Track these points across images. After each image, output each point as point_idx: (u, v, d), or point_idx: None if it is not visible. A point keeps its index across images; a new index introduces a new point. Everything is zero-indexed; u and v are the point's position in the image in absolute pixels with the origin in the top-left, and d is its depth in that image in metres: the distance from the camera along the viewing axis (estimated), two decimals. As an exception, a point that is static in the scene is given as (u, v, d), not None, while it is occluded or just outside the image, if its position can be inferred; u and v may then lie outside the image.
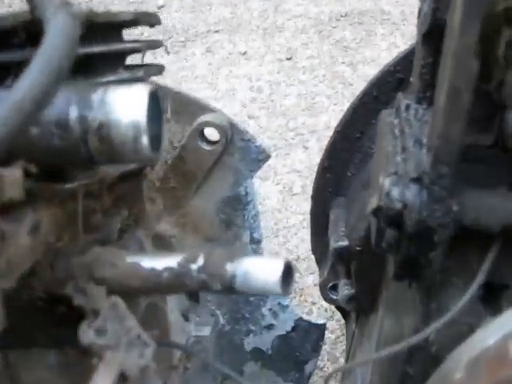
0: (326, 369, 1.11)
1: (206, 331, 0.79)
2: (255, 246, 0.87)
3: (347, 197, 0.92)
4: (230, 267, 0.47)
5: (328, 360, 1.10)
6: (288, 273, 0.46)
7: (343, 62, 1.59)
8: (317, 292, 1.16)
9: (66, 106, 0.44)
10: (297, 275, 0.97)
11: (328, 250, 0.96)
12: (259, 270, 0.46)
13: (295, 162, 1.35)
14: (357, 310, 0.92)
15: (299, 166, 1.34)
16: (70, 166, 0.47)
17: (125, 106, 0.44)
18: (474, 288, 0.54)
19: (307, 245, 1.25)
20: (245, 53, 1.66)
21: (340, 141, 0.89)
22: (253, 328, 0.89)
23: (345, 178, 0.91)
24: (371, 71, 1.43)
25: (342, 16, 1.80)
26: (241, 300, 0.87)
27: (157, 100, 0.46)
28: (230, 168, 0.83)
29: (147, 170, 0.65)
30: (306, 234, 1.22)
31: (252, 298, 0.88)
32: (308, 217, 1.21)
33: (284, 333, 0.91)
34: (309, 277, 1.17)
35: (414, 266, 0.56)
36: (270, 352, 0.92)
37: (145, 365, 0.46)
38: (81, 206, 0.52)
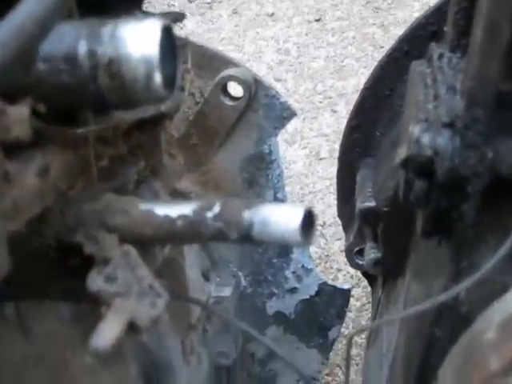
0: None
1: (227, 292, 0.78)
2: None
3: (375, 157, 0.88)
4: (247, 214, 0.45)
5: (353, 328, 1.07)
6: (309, 221, 0.44)
7: (374, 24, 1.53)
8: (343, 258, 1.14)
9: (75, 40, 0.41)
10: (322, 241, 0.94)
11: (355, 213, 0.94)
12: (278, 216, 0.44)
13: (323, 126, 1.31)
14: (383, 275, 0.89)
15: (327, 130, 1.30)
16: (80, 105, 0.45)
17: (136, 40, 0.41)
18: (508, 245, 0.50)
19: (333, 210, 1.22)
20: (272, 14, 1.61)
21: (369, 98, 0.85)
22: (275, 291, 0.87)
23: (373, 137, 0.87)
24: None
25: (372, -24, 1.73)
26: (263, 262, 0.85)
27: (171, 37, 0.44)
28: (253, 125, 0.81)
29: (166, 123, 0.63)
30: (332, 200, 1.18)
31: (275, 260, 0.85)
32: (335, 182, 1.18)
33: (308, 297, 0.89)
34: (335, 243, 1.14)
35: (445, 220, 0.52)
36: (292, 316, 0.90)
37: (157, 315, 0.44)
38: (93, 152, 0.50)
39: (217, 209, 0.46)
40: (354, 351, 1.07)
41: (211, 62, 0.79)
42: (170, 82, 0.43)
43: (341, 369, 1.06)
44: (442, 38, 0.67)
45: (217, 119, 0.78)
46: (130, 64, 0.41)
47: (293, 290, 0.88)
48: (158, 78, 0.41)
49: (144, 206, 0.48)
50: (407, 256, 0.78)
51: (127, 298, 0.43)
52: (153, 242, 0.49)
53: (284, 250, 0.86)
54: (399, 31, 1.48)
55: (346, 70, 1.44)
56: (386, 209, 0.77)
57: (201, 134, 0.79)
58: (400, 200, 0.67)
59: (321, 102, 1.36)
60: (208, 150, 0.80)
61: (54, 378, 0.53)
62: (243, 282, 0.84)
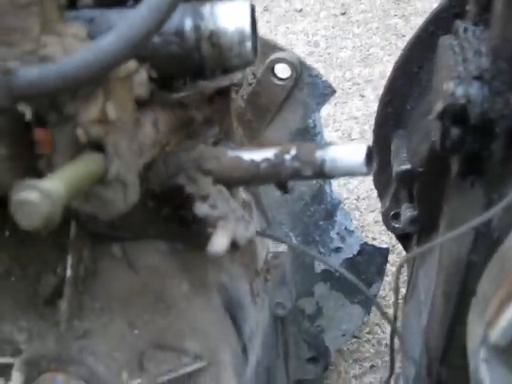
0: (387, 298, 1.19)
1: (283, 248, 0.88)
2: (323, 174, 0.95)
3: (407, 129, 0.98)
4: (319, 154, 0.55)
5: (390, 290, 1.17)
6: (369, 155, 0.54)
7: (395, 15, 1.64)
8: (377, 228, 1.24)
9: (182, 18, 0.52)
10: (358, 213, 1.04)
11: (390, 181, 1.04)
12: (346, 154, 0.54)
13: (352, 110, 1.42)
14: (418, 233, 0.99)
15: (356, 113, 1.42)
16: (184, 72, 0.56)
17: (231, 16, 0.52)
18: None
19: (366, 185, 1.33)
20: (300, 10, 1.74)
21: (399, 76, 0.96)
22: (322, 250, 0.98)
23: (405, 111, 0.98)
24: (424, 22, 1.47)
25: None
26: (311, 224, 0.95)
27: (254, 15, 0.55)
28: (299, 102, 0.91)
29: (233, 95, 0.74)
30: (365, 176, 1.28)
31: (321, 222, 0.96)
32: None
33: (351, 256, 0.99)
34: (369, 215, 1.25)
35: (477, 161, 0.63)
36: (337, 274, 1.00)
37: (251, 236, 0.55)
38: (185, 113, 0.61)
39: (293, 151, 0.57)
40: (391, 310, 1.16)
41: (261, 47, 0.89)
42: (254, 49, 0.54)
43: (380, 327, 1.16)
44: (464, 17, 0.77)
45: (268, 97, 0.89)
46: (227, 35, 0.52)
47: (337, 250, 0.98)
48: (248, 45, 0.52)
49: (232, 153, 0.59)
50: (440, 210, 0.88)
51: (228, 222, 0.54)
52: (240, 183, 0.60)
53: (329, 213, 0.96)
54: (419, 21, 1.59)
55: (372, 58, 1.55)
56: (420, 169, 0.87)
57: (254, 110, 0.90)
58: (435, 155, 0.78)
59: (350, 88, 1.47)
60: (260, 125, 0.91)
61: (155, 305, 0.64)
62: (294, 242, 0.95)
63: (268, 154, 0.57)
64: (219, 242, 0.50)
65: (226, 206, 0.56)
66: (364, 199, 1.27)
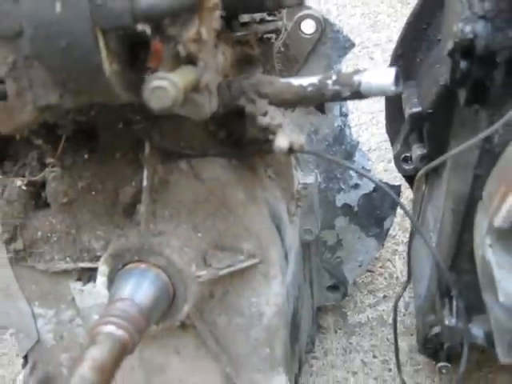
0: (397, 237, 1.32)
1: (311, 179, 1.01)
2: (343, 118, 1.08)
3: (417, 79, 1.11)
4: (355, 77, 0.68)
5: (399, 229, 1.31)
6: (398, 77, 0.67)
7: (401, -16, 1.78)
8: (386, 176, 1.37)
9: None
10: (369, 162, 1.17)
11: (400, 128, 1.17)
12: (378, 76, 0.67)
13: (363, 72, 1.54)
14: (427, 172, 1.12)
15: (366, 75, 1.53)
16: (246, 11, 0.68)
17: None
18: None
19: (377, 138, 1.46)
20: (313, -19, 1.87)
21: (410, 31, 1.08)
22: (343, 186, 1.11)
23: (414, 63, 1.10)
24: (427, -9, 1.61)
25: None
26: (333, 162, 1.08)
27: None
28: (322, 54, 1.04)
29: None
30: (375, 130, 1.42)
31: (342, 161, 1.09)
32: (376, 116, 1.42)
33: (367, 192, 1.12)
34: (379, 164, 1.38)
35: (481, 89, 0.76)
36: (356, 209, 1.13)
37: (303, 142, 0.67)
38: (242, 49, 0.74)
39: (334, 77, 0.69)
40: (400, 247, 1.30)
41: (290, 6, 1.02)
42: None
43: (391, 262, 1.29)
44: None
45: (296, 49, 1.02)
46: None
47: (356, 186, 1.11)
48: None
49: (283, 80, 0.71)
50: (448, 146, 1.01)
51: (285, 129, 0.66)
52: (291, 104, 0.72)
53: (348, 153, 1.09)
54: (423, -10, 1.70)
55: (379, 24, 1.68)
56: (430, 111, 1.00)
57: (284, 61, 1.02)
58: (443, 97, 0.91)
59: (360, 52, 1.60)
60: (289, 75, 1.03)
61: (216, 211, 0.77)
62: (319, 178, 1.07)
63: (313, 79, 0.70)
64: (283, 141, 0.63)
65: (281, 119, 0.68)
66: (375, 150, 1.40)
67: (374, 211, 1.14)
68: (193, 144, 0.77)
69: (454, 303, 0.89)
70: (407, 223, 1.32)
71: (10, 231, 0.83)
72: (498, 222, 0.67)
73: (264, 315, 0.81)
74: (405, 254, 1.28)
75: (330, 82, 0.69)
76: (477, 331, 0.90)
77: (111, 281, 0.74)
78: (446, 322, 0.89)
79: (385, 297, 1.26)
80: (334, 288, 1.19)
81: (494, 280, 0.68)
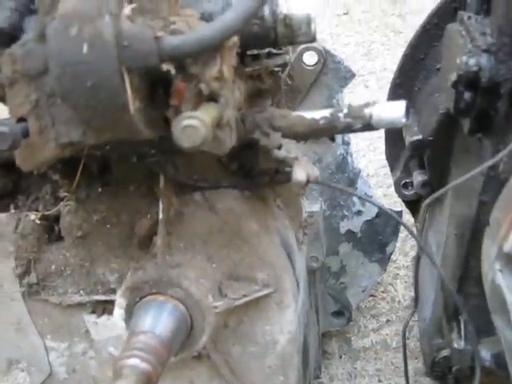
0: (398, 261, 1.34)
1: (316, 207, 1.03)
2: (346, 146, 1.10)
3: (416, 107, 1.14)
4: (367, 110, 0.70)
5: (400, 254, 1.33)
6: (407, 110, 0.69)
7: (393, 14, 1.82)
8: (385, 201, 1.40)
9: (263, 5, 0.67)
10: (368, 188, 1.19)
11: (400, 154, 1.20)
12: (389, 109, 0.69)
13: (359, 100, 1.57)
14: (428, 195, 1.14)
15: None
16: (260, 47, 0.70)
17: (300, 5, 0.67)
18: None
19: (374, 165, 1.48)
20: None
21: (408, 62, 1.12)
22: (346, 213, 1.13)
23: (412, 91, 1.13)
24: (418, 20, 1.65)
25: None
26: (337, 189, 1.10)
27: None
28: (324, 84, 1.07)
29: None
30: (372, 156, 1.45)
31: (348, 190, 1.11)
32: (373, 142, 1.44)
33: (370, 218, 1.14)
34: (378, 189, 1.41)
35: (485, 118, 0.78)
36: (359, 235, 1.15)
37: (318, 175, 0.69)
38: (253, 84, 0.76)
39: (345, 110, 0.72)
40: (402, 271, 1.32)
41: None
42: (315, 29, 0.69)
43: (393, 286, 1.31)
44: (465, 9, 0.93)
45: (299, 80, 1.05)
46: (297, 17, 0.67)
47: (359, 213, 1.14)
48: (314, 25, 0.68)
49: (295, 113, 0.73)
50: (449, 172, 1.04)
51: (301, 162, 0.68)
52: (303, 137, 0.74)
53: (351, 180, 1.12)
54: (415, 18, 1.77)
55: (373, 53, 1.73)
56: (430, 138, 1.03)
57: (288, 92, 1.05)
58: (443, 125, 0.93)
59: (355, 80, 1.63)
60: (293, 105, 1.06)
61: (231, 241, 0.78)
62: (323, 206, 1.09)
63: (325, 113, 0.72)
64: (300, 174, 0.65)
65: (297, 153, 0.70)
66: (373, 176, 1.43)
67: (377, 237, 1.16)
68: (206, 176, 0.78)
69: (462, 326, 0.90)
70: (407, 248, 1.34)
71: (24, 265, 0.83)
72: (508, 247, 0.69)
73: (278, 343, 0.82)
74: (406, 279, 1.30)
75: (341, 114, 0.71)
76: (485, 354, 0.91)
77: (128, 313, 0.75)
78: (455, 345, 0.90)
79: (388, 321, 1.27)
80: (338, 313, 1.20)
81: (506, 303, 0.70)
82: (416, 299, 0.95)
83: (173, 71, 0.56)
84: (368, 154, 1.46)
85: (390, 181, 1.30)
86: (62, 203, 0.81)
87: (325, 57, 1.04)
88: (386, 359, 1.22)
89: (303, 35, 0.68)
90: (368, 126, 0.71)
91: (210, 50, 0.57)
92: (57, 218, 0.82)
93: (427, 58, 1.11)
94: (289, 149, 0.70)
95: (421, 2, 1.85)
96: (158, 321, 0.70)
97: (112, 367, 0.63)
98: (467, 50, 0.77)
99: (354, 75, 1.08)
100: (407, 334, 1.25)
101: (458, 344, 0.90)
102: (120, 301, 0.76)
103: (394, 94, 1.14)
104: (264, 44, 0.69)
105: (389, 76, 1.63)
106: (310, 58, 1.04)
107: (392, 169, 1.21)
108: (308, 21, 0.67)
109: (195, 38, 0.55)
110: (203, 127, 0.51)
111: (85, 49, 0.55)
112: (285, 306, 0.81)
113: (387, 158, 1.21)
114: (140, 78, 0.58)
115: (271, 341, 0.82)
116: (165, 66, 0.56)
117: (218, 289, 0.78)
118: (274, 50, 0.82)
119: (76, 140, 0.62)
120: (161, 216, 0.76)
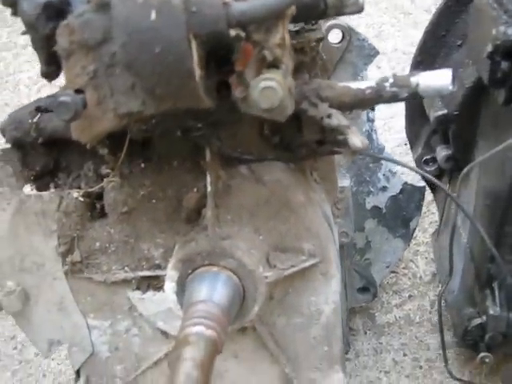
0: (418, 238, 1.36)
1: (346, 183, 1.04)
2: (370, 123, 1.11)
3: (437, 83, 1.16)
4: (413, 79, 0.72)
5: (419, 230, 1.35)
6: (454, 77, 0.71)
7: (402, -5, 1.85)
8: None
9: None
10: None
11: (421, 131, 1.21)
12: (435, 77, 0.71)
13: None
14: (450, 173, 1.16)
15: (375, 84, 1.59)
16: (310, 18, 0.71)
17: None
18: None
19: (390, 144, 1.50)
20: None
21: (429, 39, 1.13)
22: (372, 189, 1.14)
23: (433, 69, 1.15)
24: (427, 1, 1.69)
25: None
26: (363, 166, 1.12)
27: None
28: (349, 62, 1.08)
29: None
30: (388, 135, 1.47)
31: (371, 165, 1.12)
32: (388, 122, 1.46)
33: (394, 194, 1.16)
34: (395, 168, 1.43)
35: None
36: (384, 210, 1.17)
37: (367, 144, 0.70)
38: (298, 57, 0.77)
39: (391, 79, 0.73)
40: (422, 248, 1.34)
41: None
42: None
43: (414, 263, 1.33)
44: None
45: (327, 57, 1.05)
46: (347, -14, 0.68)
47: (384, 189, 1.15)
48: (362, -1, 0.69)
49: (342, 84, 0.74)
50: (474, 146, 1.05)
51: (353, 129, 0.69)
52: (350, 107, 0.75)
53: (376, 157, 1.13)
54: (422, 0, 1.78)
55: (384, 34, 1.75)
56: (456, 112, 1.04)
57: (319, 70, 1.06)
58: (468, 99, 0.95)
59: (367, 61, 1.66)
60: (321, 82, 1.07)
61: (278, 213, 0.79)
62: (350, 182, 1.11)
63: (371, 83, 0.73)
64: (357, 140, 0.66)
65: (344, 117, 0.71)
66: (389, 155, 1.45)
67: (401, 212, 1.18)
68: (250, 149, 0.79)
69: (497, 293, 0.92)
70: (426, 224, 1.36)
71: (67, 243, 0.83)
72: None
73: (323, 313, 0.83)
74: (426, 254, 1.32)
75: (387, 84, 0.72)
76: (517, 320, 0.93)
77: (180, 286, 0.76)
78: (491, 312, 0.92)
79: (410, 296, 1.29)
80: (364, 289, 1.21)
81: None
82: (450, 269, 0.97)
83: (243, 36, 0.56)
84: (383, 133, 1.47)
85: (406, 159, 1.32)
86: (105, 179, 0.81)
87: (350, 34, 1.05)
88: (410, 334, 1.24)
89: (352, 5, 0.69)
90: (414, 95, 0.72)
91: (275, 16, 0.57)
92: (99, 196, 0.83)
93: (448, 34, 1.13)
94: (339, 117, 0.71)
95: (428, -17, 1.88)
96: (215, 290, 0.71)
97: (178, 335, 0.64)
98: (503, 21, 0.79)
99: (377, 52, 1.09)
100: (429, 309, 1.27)
101: (494, 310, 0.92)
102: (171, 273, 0.77)
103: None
104: (313, 15, 0.70)
105: (400, 57, 1.66)
106: (334, 36, 1.06)
107: (412, 146, 1.23)
108: (356, -9, 0.68)
109: (262, 4, 0.56)
110: (281, 88, 0.52)
111: (153, 15, 0.56)
112: (330, 276, 0.82)
113: (407, 136, 1.23)
114: (202, 46, 0.59)
115: (316, 311, 0.83)
116: (233, 32, 0.57)
117: (267, 260, 0.79)
118: (306, 26, 0.84)
119: (135, 110, 0.62)
120: (209, 189, 0.77)
